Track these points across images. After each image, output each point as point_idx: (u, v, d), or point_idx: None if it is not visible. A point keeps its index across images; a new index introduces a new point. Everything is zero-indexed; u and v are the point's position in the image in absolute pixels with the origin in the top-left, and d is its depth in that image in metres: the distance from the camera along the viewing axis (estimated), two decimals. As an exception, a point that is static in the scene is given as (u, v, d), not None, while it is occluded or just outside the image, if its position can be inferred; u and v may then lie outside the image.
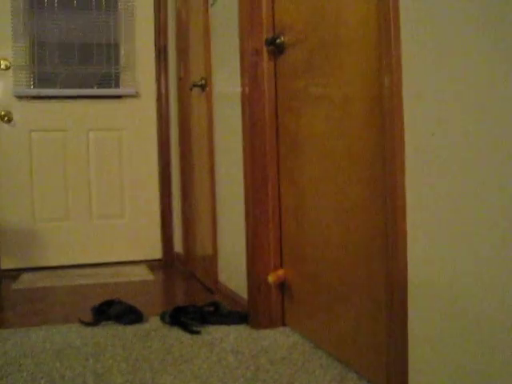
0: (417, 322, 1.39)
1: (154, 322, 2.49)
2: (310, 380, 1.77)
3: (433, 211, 1.31)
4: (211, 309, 2.50)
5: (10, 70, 4.09)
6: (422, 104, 1.33)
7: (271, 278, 2.29)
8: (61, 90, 4.19)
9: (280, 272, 2.33)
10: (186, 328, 2.33)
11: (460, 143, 1.21)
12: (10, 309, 2.92)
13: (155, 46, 4.31)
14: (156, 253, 4.35)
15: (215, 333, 2.29)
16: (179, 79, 3.84)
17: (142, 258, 4.32)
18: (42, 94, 4.14)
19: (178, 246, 4.19)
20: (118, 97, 4.28)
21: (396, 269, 1.43)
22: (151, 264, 4.23)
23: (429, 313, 1.34)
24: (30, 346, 2.19)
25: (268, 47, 2.32)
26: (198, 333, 2.29)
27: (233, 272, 2.79)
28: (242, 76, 2.40)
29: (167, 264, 4.26)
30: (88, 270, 4.03)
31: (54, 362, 2.00)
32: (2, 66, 4.08)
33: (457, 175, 1.22)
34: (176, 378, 1.83)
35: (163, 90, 4.26)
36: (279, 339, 2.19)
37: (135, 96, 4.29)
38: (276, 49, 2.30)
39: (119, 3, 4.29)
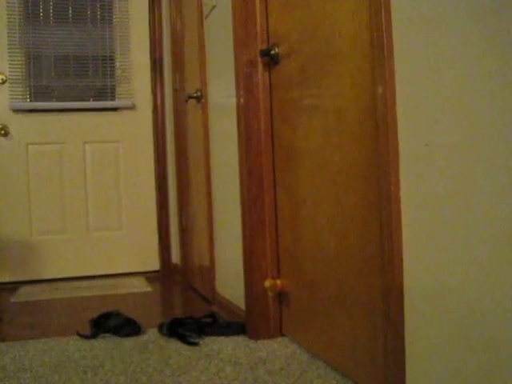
0: (414, 330, 1.40)
1: (152, 334, 2.49)
2: (308, 390, 1.77)
3: (428, 221, 1.32)
4: (209, 320, 2.50)
5: (6, 84, 4.11)
6: (416, 115, 1.34)
7: (268, 283, 2.30)
8: (57, 103, 4.20)
9: (277, 281, 2.33)
10: (183, 340, 2.33)
11: (454, 154, 1.22)
12: (8, 322, 2.92)
13: (151, 58, 4.33)
14: (154, 264, 4.35)
15: (213, 344, 2.29)
16: (175, 91, 3.86)
17: (139, 269, 4.32)
18: (38, 108, 4.15)
19: (175, 257, 4.19)
20: (114, 109, 4.30)
21: (392, 278, 1.44)
22: (149, 275, 4.23)
23: (426, 321, 1.35)
24: (28, 359, 2.19)
25: (262, 58, 2.34)
26: (196, 344, 2.29)
27: (230, 282, 2.79)
28: (237, 87, 2.42)
29: (165, 275, 4.26)
30: (86, 283, 4.03)
31: (53, 375, 2.00)
32: (-2, 80, 4.09)
33: (451, 185, 1.23)
34: (174, 389, 1.83)
35: (159, 102, 4.28)
36: (277, 349, 2.20)
37: (131, 108, 4.31)
38: (270, 60, 2.31)
39: (114, 16, 4.32)
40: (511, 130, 1.06)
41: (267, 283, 2.30)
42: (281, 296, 2.35)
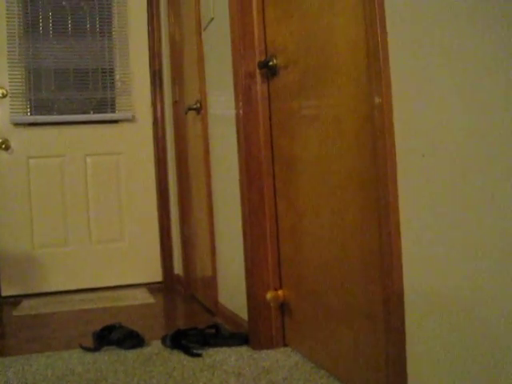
0: (415, 337, 1.40)
1: (155, 346, 2.49)
2: (311, 400, 1.77)
3: (426, 229, 1.32)
4: (212, 331, 2.50)
5: (7, 98, 4.13)
6: (412, 125, 1.35)
7: (269, 295, 2.30)
8: (57, 116, 4.22)
9: (279, 292, 2.34)
10: (187, 351, 2.33)
11: (450, 164, 1.23)
12: (12, 336, 2.92)
13: (150, 70, 4.36)
14: (156, 275, 4.36)
15: (216, 355, 2.30)
16: (174, 102, 3.88)
17: (142, 281, 4.32)
18: (38, 121, 4.17)
19: (178, 268, 4.20)
20: (115, 121, 4.32)
21: (392, 285, 1.44)
22: (152, 287, 4.23)
23: (426, 329, 1.36)
24: (31, 373, 2.20)
25: (261, 70, 2.35)
26: (199, 356, 2.29)
27: (233, 293, 2.80)
28: (236, 99, 2.43)
29: (168, 286, 4.26)
30: (88, 295, 4.03)
31: (56, 389, 2.01)
32: (-2, 95, 4.11)
33: (448, 194, 1.24)
34: (178, 402, 1.83)
35: (159, 114, 4.30)
36: (280, 360, 2.20)
37: (131, 120, 4.33)
38: (269, 71, 2.33)
39: (113, 28, 4.34)
40: (509, 142, 1.07)
41: (269, 295, 2.31)
42: (283, 306, 2.36)
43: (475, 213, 1.16)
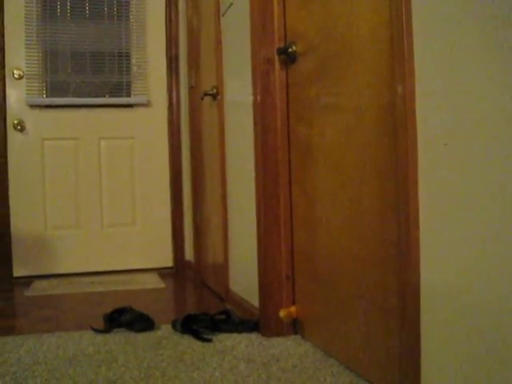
0: (429, 330, 1.39)
1: (165, 330, 2.49)
2: (321, 388, 1.77)
3: (445, 221, 1.31)
4: (222, 317, 2.51)
5: (23, 80, 4.13)
6: (435, 114, 1.34)
7: (282, 313, 2.29)
8: (73, 98, 4.22)
9: (292, 308, 2.32)
10: (197, 336, 2.34)
11: (473, 153, 1.21)
12: (23, 315, 2.94)
13: (166, 55, 4.34)
14: (167, 261, 4.37)
15: (226, 341, 2.30)
16: (190, 88, 3.87)
17: (153, 265, 4.33)
18: (54, 103, 4.18)
19: (189, 254, 4.20)
20: (130, 106, 4.32)
21: (409, 277, 1.43)
22: (162, 272, 4.25)
23: (442, 321, 1.35)
24: (42, 352, 2.21)
25: (280, 56, 2.33)
26: (209, 341, 2.29)
27: (244, 280, 2.80)
28: (254, 85, 2.42)
29: (178, 272, 4.27)
30: (99, 278, 4.05)
31: (67, 368, 2.01)
32: (15, 76, 4.12)
33: (470, 185, 1.23)
34: (188, 385, 1.84)
35: (174, 99, 4.29)
36: (290, 347, 2.20)
37: (146, 105, 4.33)
38: (288, 58, 2.31)
39: (131, 12, 4.33)
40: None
41: (281, 313, 2.29)
42: (294, 295, 2.35)
43: (498, 205, 1.15)
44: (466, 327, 1.26)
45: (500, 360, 1.16)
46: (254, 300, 2.54)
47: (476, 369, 1.23)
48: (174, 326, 2.48)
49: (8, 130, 4.10)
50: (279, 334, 2.34)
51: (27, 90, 4.14)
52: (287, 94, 2.36)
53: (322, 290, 2.10)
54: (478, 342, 1.22)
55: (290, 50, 2.27)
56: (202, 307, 3.06)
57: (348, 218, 1.89)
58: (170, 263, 4.36)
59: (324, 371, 1.92)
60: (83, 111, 4.24)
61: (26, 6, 4.13)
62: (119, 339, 2.37)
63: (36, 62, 4.16)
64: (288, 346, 2.21)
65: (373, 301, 1.76)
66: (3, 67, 4.09)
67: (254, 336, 2.36)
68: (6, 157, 4.10)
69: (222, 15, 3.03)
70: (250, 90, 2.49)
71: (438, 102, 1.32)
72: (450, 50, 1.27)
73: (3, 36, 4.09)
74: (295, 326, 2.36)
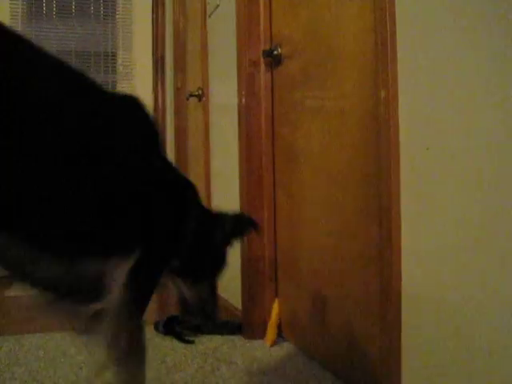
0: (410, 335, 1.40)
1: (147, 332, 2.47)
2: (303, 391, 1.77)
3: (428, 223, 1.32)
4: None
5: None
6: (418, 119, 1.34)
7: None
8: (58, 98, 4.19)
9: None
10: (179, 338, 2.33)
11: (455, 158, 1.22)
12: (3, 316, 2.91)
13: (153, 55, 4.34)
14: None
15: (209, 343, 2.29)
16: (176, 89, 3.86)
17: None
18: (38, 102, 4.14)
19: (172, 256, 4.18)
20: (115, 106, 4.29)
21: (390, 280, 1.44)
22: (145, 273, 4.22)
23: (422, 323, 1.35)
24: (23, 353, 2.19)
25: (265, 59, 2.34)
26: (191, 342, 2.29)
27: (227, 282, 2.78)
28: (239, 87, 2.42)
29: (161, 273, 4.25)
30: (82, 279, 4.01)
31: (48, 370, 2.00)
32: None
33: (451, 189, 1.24)
34: (169, 387, 1.83)
35: (160, 100, 4.28)
36: (273, 350, 2.20)
37: (132, 105, 4.30)
38: (273, 60, 2.32)
39: (117, 13, 4.32)
40: (513, 136, 1.06)
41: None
42: (278, 297, 2.35)
43: (480, 208, 1.16)
44: (445, 328, 1.27)
45: (480, 360, 1.17)
46: (238, 302, 2.54)
47: (455, 368, 1.24)
48: (156, 328, 2.47)
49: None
50: (262, 337, 2.34)
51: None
52: (272, 96, 2.36)
53: (305, 292, 2.11)
54: (457, 341, 1.23)
55: (275, 52, 2.27)
56: (184, 309, 3.05)
57: (332, 219, 1.90)
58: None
59: (306, 374, 1.92)
60: (68, 111, 4.21)
61: (11, 4, 4.10)
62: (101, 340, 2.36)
63: (21, 60, 4.12)
64: (270, 349, 2.21)
65: (355, 305, 1.76)
66: (-13, 65, 4.05)
67: (236, 338, 2.36)
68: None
69: (209, 16, 3.03)
70: (235, 91, 2.49)
71: (421, 107, 1.33)
72: (434, 55, 1.28)
73: (-12, 34, 4.05)
74: (278, 329, 2.36)
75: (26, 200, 1.07)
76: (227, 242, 1.64)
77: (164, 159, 1.43)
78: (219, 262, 1.65)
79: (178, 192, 1.43)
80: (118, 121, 1.25)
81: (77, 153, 1.12)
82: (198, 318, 1.95)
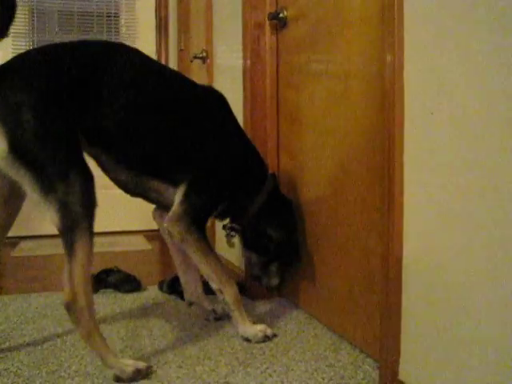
0: (410, 295, 1.43)
1: (152, 291, 2.53)
2: (304, 349, 1.82)
3: (430, 187, 1.34)
4: (208, 279, 2.53)
5: (9, 38, 4.08)
6: (423, 84, 1.35)
7: None
8: (60, 58, 4.17)
9: None
10: (183, 297, 2.37)
11: (459, 123, 1.23)
12: (10, 275, 2.96)
13: (156, 16, 4.30)
14: (153, 223, 4.37)
15: (213, 302, 2.33)
16: (180, 51, 3.84)
17: (138, 228, 4.35)
18: (41, 63, 4.13)
19: (175, 217, 4.21)
20: (118, 67, 4.27)
21: (392, 243, 1.46)
22: (149, 234, 4.26)
23: (422, 282, 1.38)
24: (31, 311, 2.24)
25: (270, 21, 2.33)
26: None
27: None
28: (244, 49, 2.42)
29: (164, 235, 4.28)
30: (86, 239, 4.05)
31: (56, 328, 2.05)
32: (1, 34, 4.06)
33: (454, 154, 1.25)
34: (174, 344, 1.87)
35: (163, 62, 4.26)
36: (275, 310, 2.24)
37: (135, 67, 4.28)
38: (278, 23, 2.31)
39: (120, -28, 4.27)
40: (518, 101, 1.07)
41: None
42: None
43: (481, 175, 1.17)
44: (444, 287, 1.30)
45: (476, 324, 1.20)
46: (241, 262, 2.58)
47: (455, 334, 1.27)
48: (160, 287, 2.52)
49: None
50: (264, 297, 2.38)
51: (13, 48, 4.08)
52: (277, 59, 2.36)
53: (306, 252, 2.14)
54: (456, 299, 1.26)
55: (281, 15, 2.26)
56: (188, 270, 3.09)
57: (335, 183, 1.92)
58: (155, 225, 4.37)
59: (307, 332, 1.97)
60: (71, 72, 4.20)
61: (12, -37, 4.05)
62: (106, 300, 2.41)
63: (23, 20, 4.10)
64: (272, 309, 2.26)
65: (356, 265, 1.79)
66: (-11, 25, 4.03)
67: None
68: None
69: (213, -23, 3.00)
70: (239, 54, 2.49)
71: (426, 72, 1.34)
72: (442, 18, 1.28)
73: (-11, -7, 4.02)
74: (280, 289, 2.40)
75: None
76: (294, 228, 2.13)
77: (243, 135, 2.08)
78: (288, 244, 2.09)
79: (263, 162, 2.09)
80: (213, 102, 1.97)
81: (187, 120, 1.86)
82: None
